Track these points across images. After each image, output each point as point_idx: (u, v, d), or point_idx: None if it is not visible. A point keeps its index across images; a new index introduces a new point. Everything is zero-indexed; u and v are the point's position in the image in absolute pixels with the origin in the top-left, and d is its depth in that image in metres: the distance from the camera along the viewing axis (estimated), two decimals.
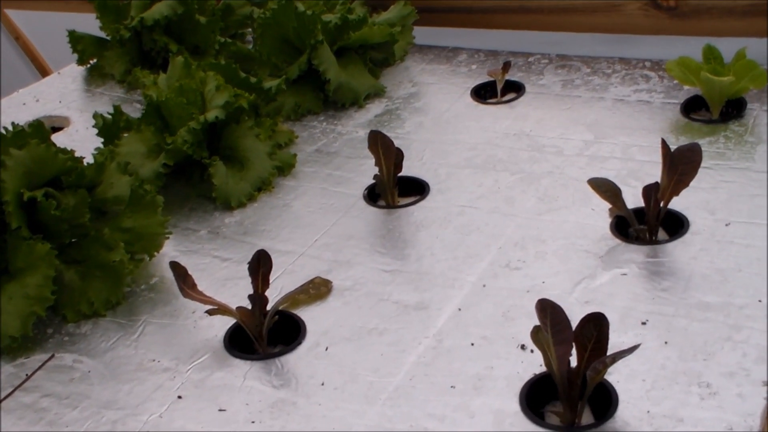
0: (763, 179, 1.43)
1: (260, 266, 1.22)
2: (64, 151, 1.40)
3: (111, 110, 1.66)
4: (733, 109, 1.64)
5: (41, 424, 1.14)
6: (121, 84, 2.15)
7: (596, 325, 1.02)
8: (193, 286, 1.26)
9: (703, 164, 1.31)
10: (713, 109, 1.63)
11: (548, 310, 0.99)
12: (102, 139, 1.66)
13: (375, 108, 1.87)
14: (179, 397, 1.16)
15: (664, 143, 1.32)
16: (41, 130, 1.42)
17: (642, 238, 1.34)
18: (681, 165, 1.29)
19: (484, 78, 1.90)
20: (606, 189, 1.35)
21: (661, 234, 1.36)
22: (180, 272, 1.26)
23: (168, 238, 1.43)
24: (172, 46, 2.05)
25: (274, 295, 1.28)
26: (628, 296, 1.23)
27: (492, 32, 2.04)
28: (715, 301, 1.19)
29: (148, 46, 2.10)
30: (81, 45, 2.19)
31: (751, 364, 1.08)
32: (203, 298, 1.25)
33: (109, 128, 1.66)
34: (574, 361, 1.03)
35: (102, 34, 2.18)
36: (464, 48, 2.07)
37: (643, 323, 1.17)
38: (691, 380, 1.07)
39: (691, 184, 1.31)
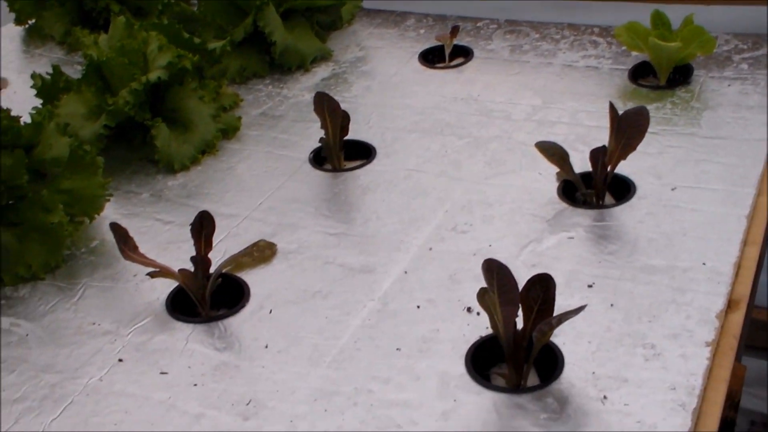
0: (709, 145, 1.43)
1: (203, 227, 1.20)
2: None
3: (50, 71, 1.61)
4: (680, 76, 1.64)
5: None
6: (61, 45, 2.09)
7: (543, 286, 1.01)
8: (135, 248, 1.23)
9: (649, 129, 1.31)
10: (660, 75, 1.63)
11: (495, 270, 0.98)
12: (41, 101, 1.61)
13: (322, 72, 1.84)
14: (120, 360, 1.13)
15: (612, 107, 1.31)
16: None
17: (589, 202, 1.34)
18: (628, 128, 1.29)
19: (432, 42, 1.89)
20: (553, 152, 1.34)
21: (608, 198, 1.36)
22: (120, 234, 1.23)
23: (108, 200, 1.40)
24: (114, 6, 2.00)
25: (217, 258, 1.26)
26: (574, 259, 1.22)
27: None
28: (660, 264, 1.20)
29: (89, 6, 2.04)
30: (18, 4, 2.13)
31: (694, 326, 1.08)
32: (144, 261, 1.23)
33: (48, 89, 1.62)
34: (520, 324, 1.02)
35: None
36: (412, 12, 2.05)
37: (590, 286, 1.17)
38: (636, 342, 1.07)
39: (638, 149, 1.31)
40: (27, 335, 1.20)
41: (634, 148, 1.30)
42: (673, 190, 1.34)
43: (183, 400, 1.06)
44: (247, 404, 1.04)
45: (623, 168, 1.35)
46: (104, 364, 1.13)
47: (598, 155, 1.32)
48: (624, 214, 1.31)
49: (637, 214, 1.30)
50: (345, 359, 1.10)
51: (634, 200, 1.33)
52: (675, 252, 1.21)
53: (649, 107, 1.31)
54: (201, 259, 1.19)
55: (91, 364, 1.13)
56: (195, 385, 1.08)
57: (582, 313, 1.04)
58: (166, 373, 1.11)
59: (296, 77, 1.83)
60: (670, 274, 1.18)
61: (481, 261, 1.01)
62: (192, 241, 1.21)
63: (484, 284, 1.01)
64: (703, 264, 1.18)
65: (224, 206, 1.42)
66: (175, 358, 1.13)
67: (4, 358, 1.16)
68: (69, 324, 1.21)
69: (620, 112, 1.31)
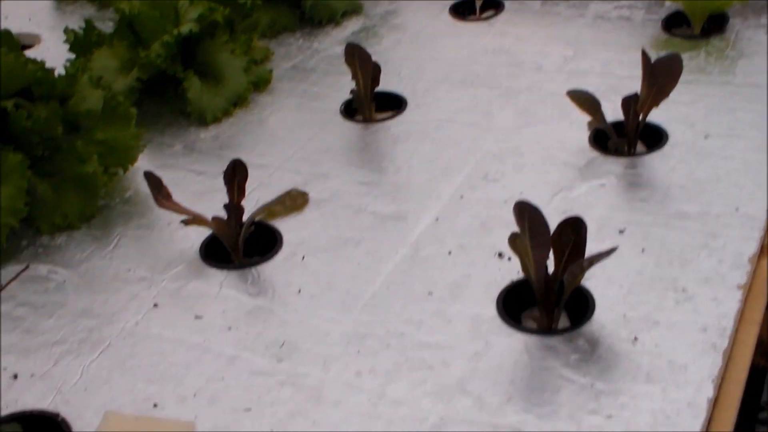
0: (743, 93, 1.42)
1: (236, 175, 1.20)
2: (33, 61, 1.37)
3: (83, 26, 1.62)
4: (715, 25, 1.62)
5: (17, 332, 1.13)
6: (92, 2, 2.10)
7: (574, 229, 1.01)
8: (168, 196, 1.25)
9: (683, 79, 1.29)
10: (695, 24, 1.61)
11: (526, 212, 0.98)
12: (74, 55, 1.62)
13: (352, 25, 1.84)
14: (155, 305, 1.15)
15: (644, 54, 1.30)
16: (10, 39, 1.39)
17: (621, 151, 1.34)
18: (661, 76, 1.28)
19: None
20: (585, 101, 1.33)
21: (640, 147, 1.35)
22: (155, 182, 1.24)
23: (142, 150, 1.41)
24: None
25: (250, 207, 1.27)
26: (605, 206, 1.22)
27: None
28: (692, 210, 1.19)
29: None
30: None
31: (726, 270, 1.08)
32: (178, 209, 1.24)
33: (81, 43, 1.63)
34: (551, 268, 1.03)
35: None
36: None
37: (621, 232, 1.17)
38: (668, 286, 1.07)
39: (671, 97, 1.30)
40: (64, 282, 1.22)
41: (666, 95, 1.29)
42: (706, 138, 1.33)
43: (217, 343, 1.08)
44: (281, 347, 1.06)
45: (655, 117, 1.34)
46: (140, 309, 1.15)
47: (630, 103, 1.31)
48: (656, 161, 1.30)
49: (670, 161, 1.30)
50: (377, 304, 1.11)
51: (666, 148, 1.33)
52: (708, 198, 1.21)
53: (682, 57, 1.30)
54: (234, 207, 1.20)
55: (127, 309, 1.15)
56: (229, 328, 1.10)
57: (613, 258, 1.04)
58: (200, 317, 1.12)
59: (327, 31, 1.83)
60: (702, 219, 1.17)
61: None
62: (225, 192, 1.22)
63: (515, 230, 1.01)
64: (736, 210, 1.18)
65: (256, 157, 1.43)
66: (210, 303, 1.14)
67: (42, 304, 1.18)
68: (105, 271, 1.23)
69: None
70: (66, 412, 1.00)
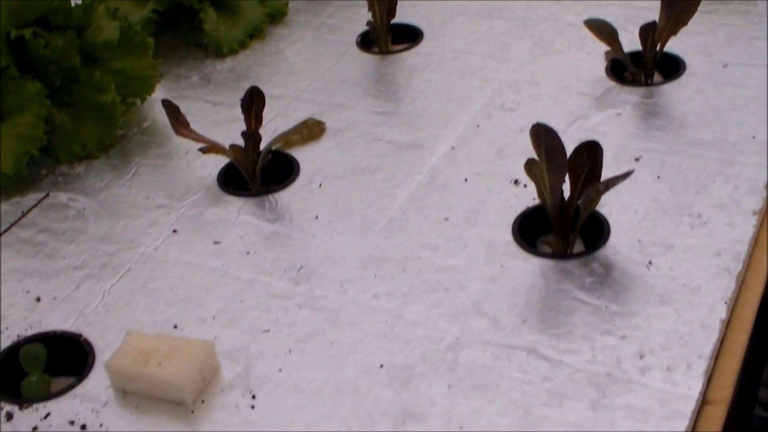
0: (763, 22, 1.41)
1: (253, 103, 1.21)
2: None
3: None
4: None
5: (39, 257, 1.15)
6: None
7: (590, 153, 1.02)
8: (186, 124, 1.25)
9: (702, 9, 1.29)
10: None
11: (543, 135, 0.99)
12: None
13: None
14: (174, 231, 1.17)
15: None
16: None
17: (637, 81, 1.33)
18: (680, 3, 1.27)
19: None
20: (602, 29, 1.33)
21: (657, 77, 1.35)
22: (173, 110, 1.25)
23: (159, 81, 1.42)
24: None
25: (267, 137, 1.28)
26: (621, 134, 1.22)
27: None
28: (709, 138, 1.19)
29: None
30: None
31: (742, 196, 1.09)
32: (196, 137, 1.25)
33: None
34: (567, 193, 1.03)
35: None
36: None
37: (637, 159, 1.17)
38: (683, 211, 1.08)
39: (690, 27, 1.29)
40: (84, 209, 1.23)
41: (685, 24, 1.28)
42: (724, 67, 1.33)
43: (236, 267, 1.09)
44: (299, 270, 1.07)
45: (673, 47, 1.34)
46: (159, 234, 1.16)
47: (647, 31, 1.30)
48: (673, 91, 1.30)
49: (686, 91, 1.29)
50: (394, 228, 1.12)
51: (683, 78, 1.32)
52: (724, 126, 1.21)
53: None
54: (251, 134, 1.21)
55: (146, 235, 1.17)
56: (247, 253, 1.11)
57: (628, 185, 1.05)
58: (219, 242, 1.14)
59: None
60: (718, 147, 1.17)
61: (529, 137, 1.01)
62: (242, 122, 1.23)
63: (531, 157, 1.01)
64: (753, 137, 1.18)
65: (273, 88, 1.43)
66: (228, 228, 1.16)
67: (63, 230, 1.19)
68: (124, 199, 1.24)
69: None
70: (88, 333, 1.02)
